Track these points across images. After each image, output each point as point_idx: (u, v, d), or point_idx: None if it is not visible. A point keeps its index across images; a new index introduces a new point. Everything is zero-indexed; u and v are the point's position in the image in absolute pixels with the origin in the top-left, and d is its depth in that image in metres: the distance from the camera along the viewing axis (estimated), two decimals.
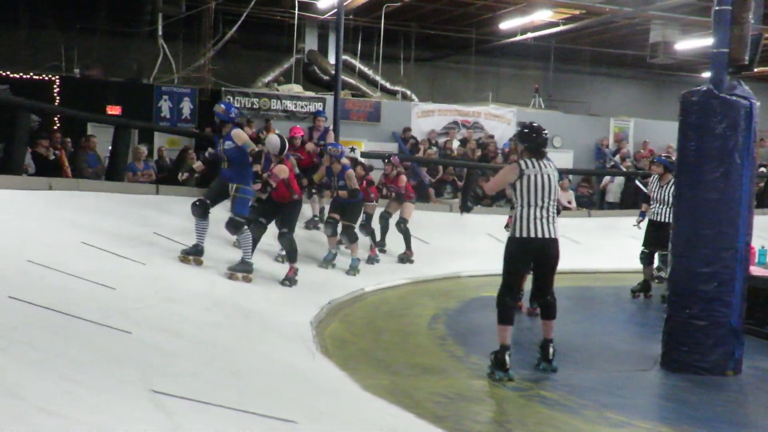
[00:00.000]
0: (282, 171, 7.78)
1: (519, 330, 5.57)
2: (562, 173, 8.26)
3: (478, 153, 16.07)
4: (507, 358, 5.34)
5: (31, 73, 15.30)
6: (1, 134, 9.87)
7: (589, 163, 18.81)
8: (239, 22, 16.77)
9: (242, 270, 7.47)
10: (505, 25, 18.61)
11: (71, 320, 4.53)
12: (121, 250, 6.92)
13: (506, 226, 8.16)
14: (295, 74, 18.61)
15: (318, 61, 18.82)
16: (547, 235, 5.40)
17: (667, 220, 8.67)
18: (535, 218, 5.38)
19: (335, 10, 13.70)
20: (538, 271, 5.61)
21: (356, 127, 16.73)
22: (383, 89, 19.39)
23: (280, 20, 18.22)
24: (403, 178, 10.36)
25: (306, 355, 5.58)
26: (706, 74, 6.68)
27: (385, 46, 19.04)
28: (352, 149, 10.21)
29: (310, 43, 19.13)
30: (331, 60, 17.70)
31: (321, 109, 15.63)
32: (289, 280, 7.83)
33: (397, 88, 19.71)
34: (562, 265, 5.69)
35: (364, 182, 9.67)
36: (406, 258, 10.14)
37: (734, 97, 5.79)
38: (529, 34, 19.15)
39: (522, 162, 5.47)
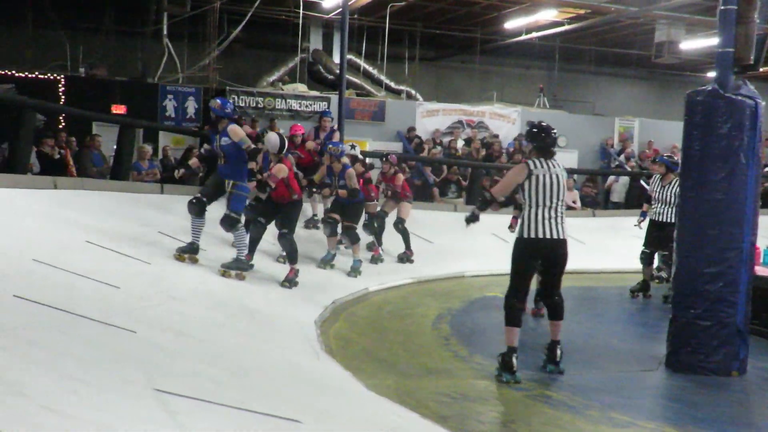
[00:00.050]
0: (281, 170, 7.65)
1: (523, 331, 5.55)
2: (568, 173, 8.19)
3: (483, 153, 16.05)
4: (514, 360, 5.30)
5: (37, 73, 15.35)
6: (6, 133, 9.90)
7: (594, 162, 18.77)
8: (244, 21, 16.79)
9: (236, 268, 7.40)
10: (509, 24, 18.60)
11: (75, 319, 4.53)
12: (125, 249, 6.93)
13: (510, 227, 8.14)
14: (299, 74, 18.62)
15: (323, 60, 18.83)
16: (555, 236, 5.35)
17: (668, 221, 8.65)
18: (543, 218, 5.33)
19: (340, 9, 13.69)
20: (547, 271, 5.56)
21: (361, 126, 16.73)
22: (388, 89, 19.39)
23: (285, 20, 18.23)
24: (400, 176, 10.23)
25: (310, 355, 5.58)
26: (711, 74, 6.65)
27: (389, 46, 19.04)
28: (353, 146, 10.14)
29: (315, 42, 19.15)
30: (336, 59, 17.69)
31: (326, 108, 15.63)
32: (289, 282, 7.73)
33: (401, 87, 19.71)
34: (567, 265, 5.66)
35: (362, 180, 9.50)
36: (406, 258, 10.05)
37: (739, 97, 5.77)
38: (534, 34, 19.13)
39: (530, 162, 5.41)
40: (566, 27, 18.38)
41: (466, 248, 10.56)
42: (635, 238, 9.22)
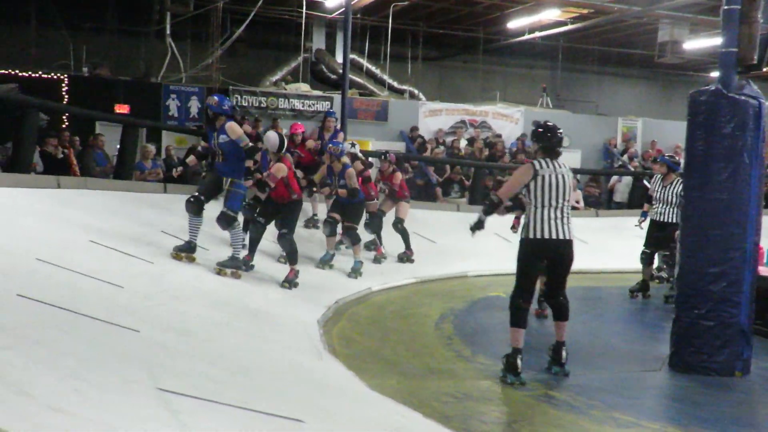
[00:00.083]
0: (280, 170, 7.58)
1: (526, 331, 5.53)
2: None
3: (486, 152, 16.06)
4: (519, 361, 5.26)
5: (40, 72, 15.38)
6: (9, 133, 9.91)
7: (597, 162, 18.77)
8: (247, 21, 16.79)
9: (231, 266, 7.35)
10: (512, 24, 18.59)
11: (79, 318, 4.54)
12: (128, 248, 6.94)
13: (512, 227, 8.13)
14: (302, 73, 18.63)
15: (325, 60, 18.83)
16: (561, 236, 5.31)
17: (669, 221, 8.64)
18: (549, 219, 5.29)
19: (343, 9, 13.71)
20: (552, 272, 5.52)
21: (364, 126, 16.75)
22: (391, 88, 19.39)
23: (288, 19, 18.25)
24: (399, 175, 10.16)
25: (313, 355, 5.58)
26: (715, 74, 6.64)
27: (392, 45, 19.04)
28: (353, 144, 10.11)
29: (318, 42, 19.16)
30: (339, 59, 17.69)
31: (329, 107, 15.63)
32: (289, 282, 7.64)
33: (404, 87, 19.71)
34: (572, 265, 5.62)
35: (361, 179, 9.43)
36: (406, 257, 10.00)
37: (743, 97, 5.76)
38: (537, 34, 19.12)
39: (536, 162, 5.38)
40: (569, 27, 18.37)
41: (469, 248, 10.50)
42: (638, 239, 9.21)
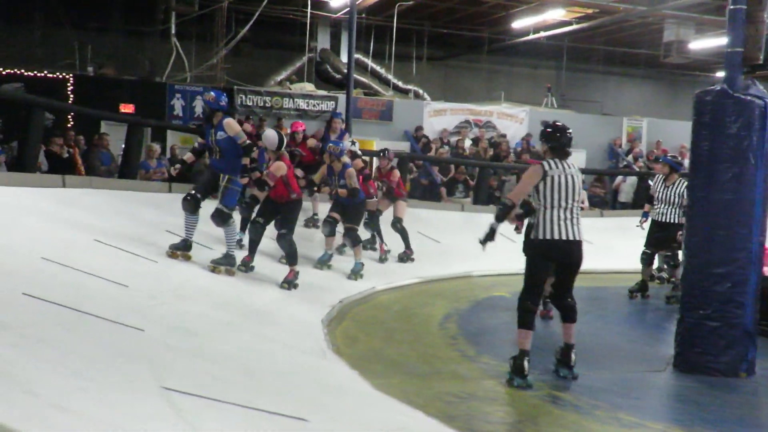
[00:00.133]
0: (280, 168, 7.43)
1: None
2: None
3: (490, 152, 16.05)
4: (526, 364, 5.17)
5: (45, 72, 15.43)
6: (15, 132, 9.94)
7: (602, 162, 18.74)
8: (252, 20, 16.83)
9: (225, 263, 7.29)
10: (517, 24, 18.58)
11: (84, 317, 4.55)
12: (133, 247, 6.95)
13: (516, 228, 8.10)
14: (307, 73, 18.66)
15: (330, 59, 18.85)
16: (572, 237, 5.24)
17: (670, 221, 8.61)
18: (559, 219, 5.21)
19: (348, 8, 13.69)
20: (561, 273, 5.42)
21: (368, 125, 16.75)
22: (395, 88, 19.41)
23: (293, 19, 18.27)
24: (396, 173, 10.04)
25: (317, 354, 5.59)
26: (721, 74, 6.63)
27: (397, 45, 19.06)
28: (353, 142, 10.06)
29: (323, 41, 19.18)
30: (344, 59, 17.71)
31: (334, 107, 15.63)
32: (288, 283, 7.47)
33: (409, 86, 19.72)
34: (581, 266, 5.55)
35: (361, 177, 9.29)
36: (406, 257, 9.92)
37: (749, 97, 5.74)
38: (542, 33, 19.10)
39: (545, 163, 5.29)
40: (574, 26, 18.34)
41: (473, 248, 10.45)
42: (642, 239, 9.19)
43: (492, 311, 7.92)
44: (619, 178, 16.43)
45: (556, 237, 5.22)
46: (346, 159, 8.78)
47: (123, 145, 11.03)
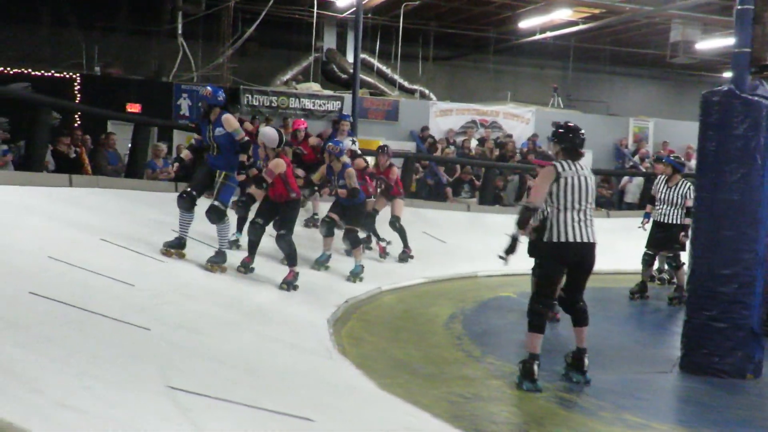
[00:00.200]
0: (279, 165, 7.24)
1: None
2: None
3: (496, 152, 16.04)
4: (536, 368, 5.09)
5: (53, 71, 15.47)
6: (22, 131, 9.97)
7: (608, 163, 18.70)
8: (258, 20, 16.84)
9: (219, 261, 7.22)
10: (524, 24, 18.56)
11: (90, 316, 4.56)
12: (139, 246, 6.97)
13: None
14: (313, 73, 18.68)
15: (336, 59, 18.87)
16: (585, 239, 5.16)
17: (672, 222, 8.59)
18: (572, 221, 5.13)
19: (354, 8, 13.72)
20: (573, 275, 5.31)
21: (374, 125, 16.75)
22: (401, 88, 19.41)
23: (299, 19, 18.29)
24: (395, 170, 9.98)
25: (323, 354, 5.59)
26: (728, 74, 6.61)
27: (403, 45, 19.05)
28: (353, 141, 10.01)
29: (329, 41, 19.20)
30: (350, 58, 17.73)
31: (340, 107, 15.63)
32: (288, 284, 7.35)
33: (415, 86, 19.72)
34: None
35: (365, 176, 9.25)
36: (406, 256, 9.87)
37: (756, 97, 5.72)
38: (549, 33, 19.09)
39: (558, 164, 5.20)
40: (581, 27, 18.32)
41: (479, 248, 10.54)
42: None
43: (498, 312, 7.91)
44: (626, 178, 16.40)
45: (571, 239, 5.13)
46: (345, 159, 8.68)
47: (129, 145, 11.05)
